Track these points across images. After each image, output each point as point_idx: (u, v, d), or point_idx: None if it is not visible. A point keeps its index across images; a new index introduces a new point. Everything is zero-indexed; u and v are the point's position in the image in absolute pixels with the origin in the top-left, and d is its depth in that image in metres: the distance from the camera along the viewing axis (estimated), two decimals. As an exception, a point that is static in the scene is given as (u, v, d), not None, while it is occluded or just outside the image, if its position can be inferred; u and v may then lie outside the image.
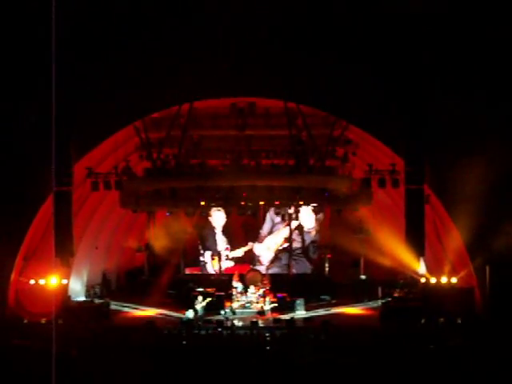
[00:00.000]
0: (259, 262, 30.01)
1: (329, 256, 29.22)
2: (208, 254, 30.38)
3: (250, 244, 30.39)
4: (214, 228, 30.30)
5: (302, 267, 29.99)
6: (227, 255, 30.14)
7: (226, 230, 30.43)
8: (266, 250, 29.99)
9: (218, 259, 30.02)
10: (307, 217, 29.31)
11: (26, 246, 23.22)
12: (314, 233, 29.66)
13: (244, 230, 30.67)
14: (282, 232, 29.76)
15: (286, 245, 29.90)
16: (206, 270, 30.32)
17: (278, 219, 29.77)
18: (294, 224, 29.49)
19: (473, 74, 21.29)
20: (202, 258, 30.42)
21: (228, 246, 30.44)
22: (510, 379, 14.01)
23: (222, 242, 30.55)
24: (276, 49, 21.59)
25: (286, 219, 29.24)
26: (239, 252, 30.36)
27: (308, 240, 29.82)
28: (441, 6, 20.38)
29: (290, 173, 24.04)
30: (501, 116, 21.25)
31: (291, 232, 29.40)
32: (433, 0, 20.21)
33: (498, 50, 20.99)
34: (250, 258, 30.30)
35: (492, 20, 20.76)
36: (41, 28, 14.12)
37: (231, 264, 30.25)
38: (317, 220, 29.40)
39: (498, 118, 21.22)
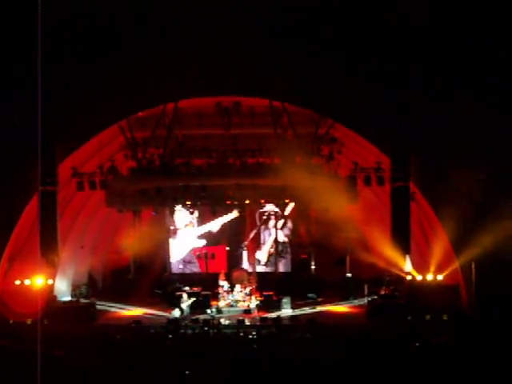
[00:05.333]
0: (259, 262, 29.77)
1: (304, 256, 29.32)
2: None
3: (236, 211, 28.01)
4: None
5: (285, 266, 30.00)
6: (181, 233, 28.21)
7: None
8: (262, 254, 29.87)
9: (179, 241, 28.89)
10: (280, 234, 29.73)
11: (11, 247, 23.11)
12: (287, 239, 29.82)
13: None
14: (271, 240, 29.73)
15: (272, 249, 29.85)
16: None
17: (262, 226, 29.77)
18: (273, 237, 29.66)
19: (459, 73, 21.37)
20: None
21: (192, 221, 28.81)
22: (496, 376, 14.06)
23: (182, 218, 28.32)
24: (260, 47, 21.59)
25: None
26: (215, 225, 28.59)
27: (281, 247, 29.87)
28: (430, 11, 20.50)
29: (276, 171, 24.01)
30: (488, 114, 21.33)
31: (277, 229, 29.42)
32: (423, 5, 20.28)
33: (488, 49, 21.06)
34: (228, 236, 29.18)
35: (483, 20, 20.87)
36: (27, 27, 14.07)
37: (202, 243, 29.13)
38: (288, 229, 29.62)
39: (484, 117, 21.30)
